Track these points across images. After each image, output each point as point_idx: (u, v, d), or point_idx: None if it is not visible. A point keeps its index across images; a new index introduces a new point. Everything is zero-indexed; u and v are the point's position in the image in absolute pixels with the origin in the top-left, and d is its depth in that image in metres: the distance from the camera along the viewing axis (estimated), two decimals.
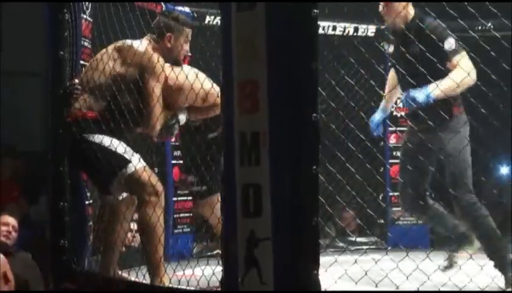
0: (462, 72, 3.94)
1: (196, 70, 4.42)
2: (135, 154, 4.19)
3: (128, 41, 4.32)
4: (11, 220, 5.36)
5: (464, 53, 4.08)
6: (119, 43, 4.33)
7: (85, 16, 4.72)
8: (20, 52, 7.84)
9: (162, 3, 5.93)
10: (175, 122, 4.36)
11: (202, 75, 4.35)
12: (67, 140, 4.24)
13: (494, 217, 4.18)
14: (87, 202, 4.66)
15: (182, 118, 4.39)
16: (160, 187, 4.14)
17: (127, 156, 4.15)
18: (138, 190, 4.15)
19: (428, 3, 3.97)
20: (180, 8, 6.13)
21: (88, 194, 4.75)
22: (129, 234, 4.82)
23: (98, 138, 4.16)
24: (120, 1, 4.54)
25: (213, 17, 6.26)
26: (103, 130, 4.17)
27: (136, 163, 4.15)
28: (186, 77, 4.26)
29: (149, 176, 4.14)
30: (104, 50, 4.34)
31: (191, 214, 6.28)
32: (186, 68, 4.45)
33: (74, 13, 4.40)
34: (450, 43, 4.06)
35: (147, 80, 4.19)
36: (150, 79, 4.19)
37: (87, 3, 4.77)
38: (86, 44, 4.76)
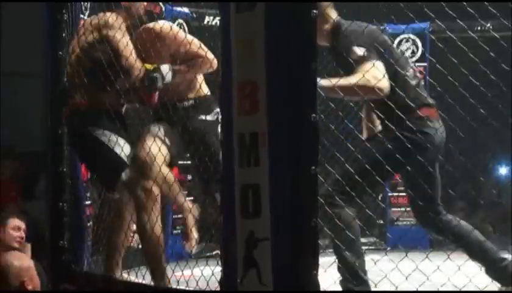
0: (360, 76, 3.80)
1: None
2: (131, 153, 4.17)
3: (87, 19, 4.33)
4: (21, 224, 5.31)
5: (374, 61, 3.86)
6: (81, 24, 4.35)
7: (83, 17, 4.72)
8: (19, 53, 7.85)
9: (160, 4, 5.94)
10: (157, 75, 4.18)
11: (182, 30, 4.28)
12: (69, 134, 4.23)
13: (493, 218, 4.17)
14: (86, 202, 4.65)
15: (165, 69, 4.21)
16: (156, 190, 4.13)
17: (123, 159, 4.13)
18: (136, 192, 4.12)
19: (426, 3, 3.96)
20: (178, 8, 6.14)
21: (87, 194, 4.75)
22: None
23: (103, 135, 4.14)
24: (120, 1, 4.54)
25: (212, 17, 6.27)
26: (105, 123, 4.15)
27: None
28: (163, 25, 4.22)
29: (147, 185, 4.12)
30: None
31: None
32: (162, 21, 4.42)
33: (72, 13, 4.40)
34: (354, 53, 3.87)
35: (109, 33, 4.14)
36: (111, 31, 4.13)
37: (86, 3, 4.77)
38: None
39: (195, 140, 4.22)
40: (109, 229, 4.49)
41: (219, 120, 4.31)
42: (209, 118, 4.34)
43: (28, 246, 5.34)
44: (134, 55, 4.14)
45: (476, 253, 3.97)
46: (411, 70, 4.05)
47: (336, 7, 4.05)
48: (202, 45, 4.24)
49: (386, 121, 3.83)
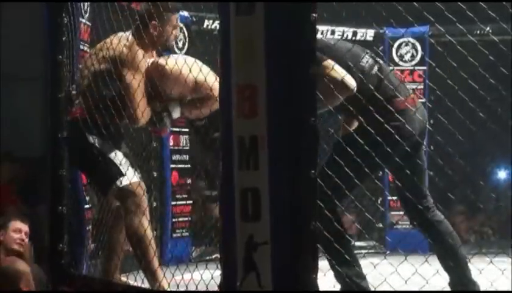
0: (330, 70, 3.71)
1: (192, 59, 4.28)
2: (130, 167, 4.20)
3: (108, 39, 4.29)
4: (23, 226, 5.29)
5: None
6: (101, 43, 4.32)
7: (83, 20, 4.72)
8: (18, 57, 7.84)
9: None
10: (165, 114, 4.28)
11: (196, 65, 4.18)
12: (68, 139, 4.25)
13: (493, 221, 4.16)
14: (86, 206, 4.65)
15: (173, 109, 4.29)
16: (145, 204, 4.18)
17: (122, 169, 4.17)
18: (126, 200, 4.18)
19: (426, 6, 3.96)
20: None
21: (87, 198, 4.75)
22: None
23: (99, 143, 4.18)
24: (119, 1, 4.54)
25: (211, 21, 6.27)
26: (103, 134, 4.17)
27: (131, 177, 4.18)
28: (173, 67, 4.18)
29: (139, 191, 4.17)
30: (92, 50, 4.36)
31: (190, 218, 6.28)
32: (177, 55, 4.39)
33: (72, 16, 4.40)
34: None
35: (122, 72, 4.13)
36: (124, 69, 4.12)
37: (86, 7, 4.77)
38: (84, 48, 4.76)
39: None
40: (108, 232, 4.50)
41: None
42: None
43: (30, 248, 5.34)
44: (142, 104, 4.13)
45: (448, 258, 3.92)
46: (366, 62, 3.89)
47: (335, 11, 4.05)
48: (213, 83, 4.14)
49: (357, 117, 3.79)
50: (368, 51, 3.95)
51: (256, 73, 2.58)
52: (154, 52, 4.38)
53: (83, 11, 4.72)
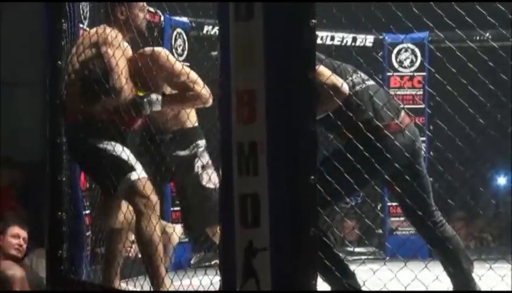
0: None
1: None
2: (138, 162, 4.16)
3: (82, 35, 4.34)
4: (21, 232, 5.29)
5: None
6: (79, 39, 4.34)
7: (83, 26, 4.73)
8: (17, 63, 7.85)
9: (159, 13, 5.95)
10: (145, 101, 4.14)
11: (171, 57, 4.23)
12: (68, 144, 4.23)
13: (492, 227, 4.15)
14: (85, 212, 4.65)
15: (154, 97, 4.16)
16: (155, 197, 4.12)
17: (130, 163, 4.10)
18: (136, 200, 4.11)
19: (425, 12, 3.97)
20: (177, 18, 6.15)
21: (86, 203, 4.75)
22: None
23: (102, 144, 4.13)
24: (119, 1, 4.54)
25: (211, 27, 6.28)
26: (104, 134, 4.13)
27: (140, 172, 4.12)
28: (160, 53, 4.21)
29: (148, 187, 4.10)
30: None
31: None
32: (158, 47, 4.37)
33: (72, 22, 4.40)
34: None
35: (101, 50, 4.11)
36: (103, 47, 4.11)
37: (85, 12, 4.77)
38: None
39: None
40: (107, 238, 4.49)
41: (197, 153, 4.37)
42: (183, 153, 4.38)
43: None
44: (125, 75, 4.10)
45: (457, 275, 3.91)
46: (351, 81, 3.86)
47: (334, 17, 4.04)
48: (199, 80, 4.17)
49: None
50: (358, 72, 3.93)
51: (255, 79, 2.58)
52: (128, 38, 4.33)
53: (82, 16, 4.72)
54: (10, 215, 6.01)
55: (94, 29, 4.27)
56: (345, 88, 3.70)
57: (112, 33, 4.15)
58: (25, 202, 6.78)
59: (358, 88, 3.84)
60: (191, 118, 4.39)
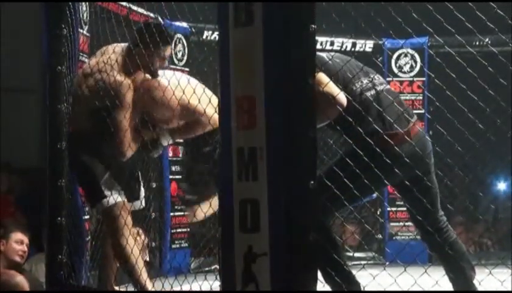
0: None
1: (185, 78, 4.31)
2: (116, 188, 4.25)
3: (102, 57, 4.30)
4: (24, 238, 5.28)
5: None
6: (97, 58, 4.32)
7: (82, 31, 4.73)
8: (17, 69, 7.85)
9: (159, 17, 5.95)
10: (157, 147, 4.36)
11: (190, 87, 4.18)
12: (67, 151, 4.27)
13: (493, 232, 4.14)
14: (85, 217, 4.65)
15: (164, 138, 4.35)
16: (119, 222, 4.21)
17: (106, 191, 4.23)
18: (109, 224, 4.28)
19: (425, 18, 3.97)
20: (177, 23, 6.14)
21: (86, 209, 4.74)
22: None
23: (91, 160, 4.24)
24: (119, 0, 4.54)
25: (210, 32, 6.27)
26: (96, 152, 4.24)
27: (116, 198, 4.23)
28: (166, 89, 4.21)
29: (114, 212, 4.22)
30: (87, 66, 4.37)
31: (188, 229, 6.27)
32: (171, 74, 4.33)
33: (71, 28, 4.40)
34: None
35: (115, 110, 4.16)
36: (117, 109, 4.16)
37: (85, 18, 4.77)
38: (84, 59, 4.76)
39: None
40: (103, 243, 4.50)
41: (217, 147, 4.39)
42: (208, 149, 4.40)
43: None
44: (128, 139, 4.17)
45: (458, 280, 3.89)
46: (360, 86, 3.78)
47: (334, 22, 4.04)
48: (205, 104, 4.13)
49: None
50: (371, 75, 3.88)
51: (255, 85, 2.58)
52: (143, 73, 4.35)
53: (82, 22, 4.72)
54: (10, 220, 6.00)
55: (121, 59, 4.25)
56: (341, 98, 3.60)
57: (129, 92, 4.17)
58: (24, 208, 6.77)
59: (367, 94, 3.77)
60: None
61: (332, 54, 3.83)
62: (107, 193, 4.22)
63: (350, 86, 3.73)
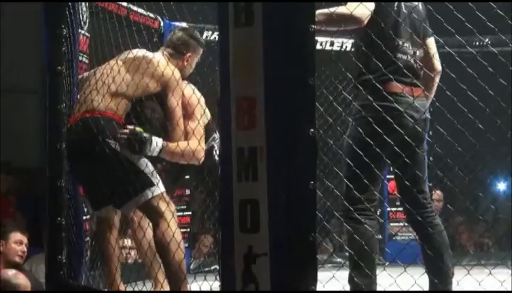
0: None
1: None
2: (158, 177, 4.06)
3: (140, 53, 4.22)
4: (23, 238, 5.28)
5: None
6: (130, 55, 4.20)
7: (82, 32, 4.73)
8: (16, 69, 7.86)
9: (159, 19, 5.95)
10: (147, 137, 4.06)
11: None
12: (70, 147, 4.18)
13: (493, 232, 4.13)
14: (84, 217, 4.65)
15: (157, 142, 4.07)
16: (172, 207, 4.05)
17: (153, 179, 4.01)
18: (154, 214, 4.01)
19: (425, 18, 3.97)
20: (177, 23, 6.14)
21: (85, 209, 4.74)
22: (123, 251, 4.81)
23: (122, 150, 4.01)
24: (119, 0, 4.54)
25: (210, 32, 6.27)
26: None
27: (162, 187, 4.03)
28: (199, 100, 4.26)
29: (167, 202, 4.03)
30: (113, 61, 4.23)
31: (188, 229, 6.28)
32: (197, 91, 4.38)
33: (71, 28, 4.40)
34: None
35: (169, 96, 4.10)
36: (172, 94, 4.10)
37: (85, 18, 4.77)
38: (84, 59, 4.76)
39: None
40: (101, 243, 4.46)
41: (214, 146, 4.38)
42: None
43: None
44: (181, 126, 4.14)
45: (436, 268, 3.86)
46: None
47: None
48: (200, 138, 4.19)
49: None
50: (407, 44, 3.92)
51: (254, 85, 2.58)
52: None
53: (82, 22, 4.72)
54: (9, 221, 6.01)
55: (159, 58, 4.23)
56: (364, 16, 3.67)
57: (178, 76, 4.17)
58: (23, 208, 6.78)
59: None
60: (207, 113, 4.42)
61: None
62: (155, 180, 4.00)
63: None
